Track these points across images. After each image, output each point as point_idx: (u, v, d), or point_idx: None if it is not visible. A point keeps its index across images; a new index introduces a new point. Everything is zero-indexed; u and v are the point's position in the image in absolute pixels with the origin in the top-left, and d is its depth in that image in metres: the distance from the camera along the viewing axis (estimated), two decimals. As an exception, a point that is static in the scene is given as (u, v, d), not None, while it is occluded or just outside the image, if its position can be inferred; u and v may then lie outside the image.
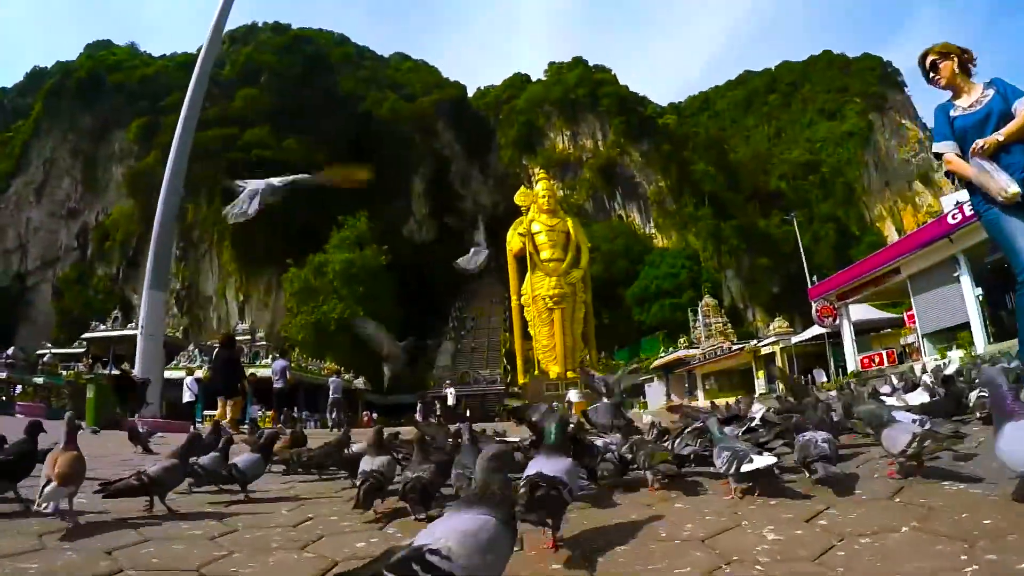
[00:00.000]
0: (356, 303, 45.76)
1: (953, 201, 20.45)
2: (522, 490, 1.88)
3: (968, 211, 16.73)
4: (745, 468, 2.24)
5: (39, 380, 33.57)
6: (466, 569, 1.07)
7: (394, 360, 7.62)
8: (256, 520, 2.48)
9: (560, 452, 2.14)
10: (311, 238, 53.57)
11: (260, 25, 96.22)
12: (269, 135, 67.37)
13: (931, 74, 3.71)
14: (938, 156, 3.81)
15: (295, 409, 19.61)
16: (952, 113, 3.66)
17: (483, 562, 1.11)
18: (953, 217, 17.39)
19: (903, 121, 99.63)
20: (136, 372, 15.27)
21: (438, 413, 25.76)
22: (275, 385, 14.92)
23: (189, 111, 16.40)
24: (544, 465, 2.00)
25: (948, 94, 3.75)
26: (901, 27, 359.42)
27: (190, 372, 16.05)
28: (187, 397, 13.99)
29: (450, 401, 26.11)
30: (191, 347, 40.98)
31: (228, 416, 10.85)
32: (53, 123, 77.15)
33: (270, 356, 39.48)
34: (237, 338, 39.91)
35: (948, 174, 3.84)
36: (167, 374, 36.25)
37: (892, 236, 68.38)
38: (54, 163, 76.63)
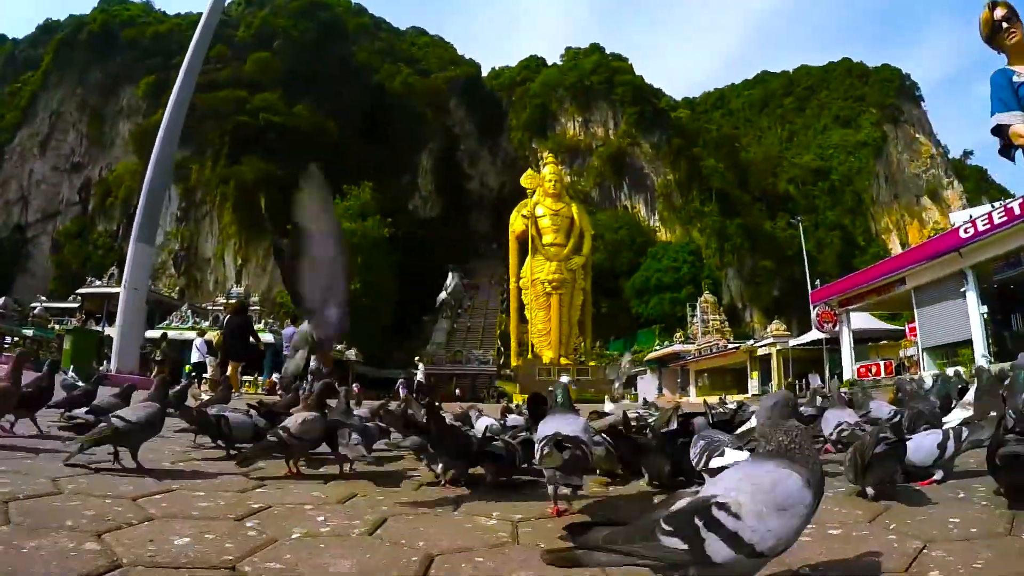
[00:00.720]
0: (355, 274, 45.55)
1: (966, 216, 20.23)
2: (547, 449, 1.82)
3: (981, 226, 16.59)
4: (714, 463, 2.09)
5: (28, 332, 33.55)
6: (756, 532, 0.92)
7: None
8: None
9: (571, 411, 2.10)
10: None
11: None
12: (279, 100, 66.80)
13: (1003, 27, 3.11)
14: (998, 131, 3.11)
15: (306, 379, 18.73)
16: (1016, 79, 3.09)
17: (778, 525, 0.94)
18: (965, 231, 17.13)
19: (917, 135, 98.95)
20: (117, 325, 15.09)
21: (414, 390, 25.19)
22: (284, 353, 14.54)
23: (190, 65, 16.06)
24: (560, 424, 1.93)
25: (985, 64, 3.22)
26: (921, 40, 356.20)
27: (201, 333, 15.93)
28: (196, 357, 14.41)
29: (418, 378, 25.40)
30: (184, 307, 40.87)
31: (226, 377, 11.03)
32: (62, 76, 76.54)
33: (262, 321, 39.41)
34: (230, 300, 40.29)
35: (1006, 150, 3.13)
36: (160, 333, 36.62)
37: (896, 249, 68.06)
38: (61, 116, 76.11)
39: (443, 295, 52.57)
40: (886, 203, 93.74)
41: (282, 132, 63.21)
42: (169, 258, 65.32)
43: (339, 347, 41.94)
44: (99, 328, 33.65)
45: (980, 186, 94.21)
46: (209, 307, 42.64)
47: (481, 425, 3.44)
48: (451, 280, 43.25)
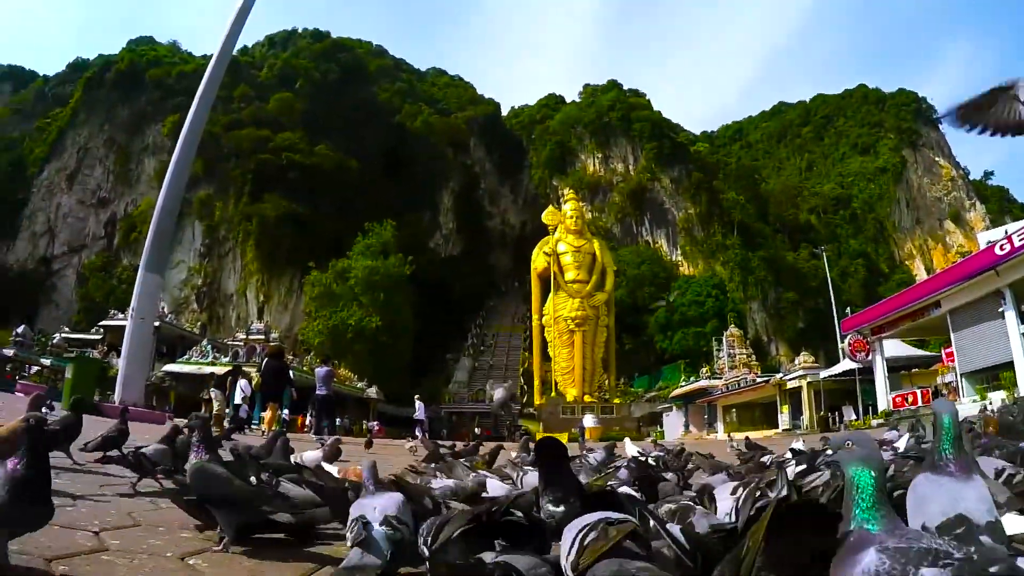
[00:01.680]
0: (375, 311, 45.48)
1: (994, 235, 19.58)
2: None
3: (1018, 241, 15.88)
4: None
5: (46, 362, 33.69)
6: None
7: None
8: None
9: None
10: (336, 243, 53.57)
11: (300, 31, 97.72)
12: (301, 140, 67.88)
13: None
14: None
15: (336, 418, 18.25)
16: None
17: None
18: (1001, 248, 16.46)
19: (937, 159, 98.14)
20: (123, 355, 14.73)
21: (425, 429, 24.26)
22: (318, 392, 14.66)
23: (203, 97, 15.75)
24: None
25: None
26: (936, 63, 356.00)
27: (245, 376, 15.73)
28: (238, 399, 14.78)
29: (417, 415, 24.24)
30: (204, 342, 40.91)
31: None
32: (90, 113, 78.67)
33: (301, 361, 39.26)
34: (251, 337, 40.26)
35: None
36: (179, 368, 36.63)
37: (921, 275, 66.83)
38: (88, 151, 77.97)
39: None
40: (909, 228, 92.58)
41: (304, 171, 64.08)
42: (192, 293, 65.88)
43: (359, 385, 41.63)
44: (107, 359, 33.63)
45: (1003, 206, 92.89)
46: (229, 343, 42.65)
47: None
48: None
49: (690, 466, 3.87)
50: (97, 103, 78.50)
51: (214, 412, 13.82)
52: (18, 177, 76.26)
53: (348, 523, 1.69)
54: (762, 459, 3.71)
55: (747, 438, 7.40)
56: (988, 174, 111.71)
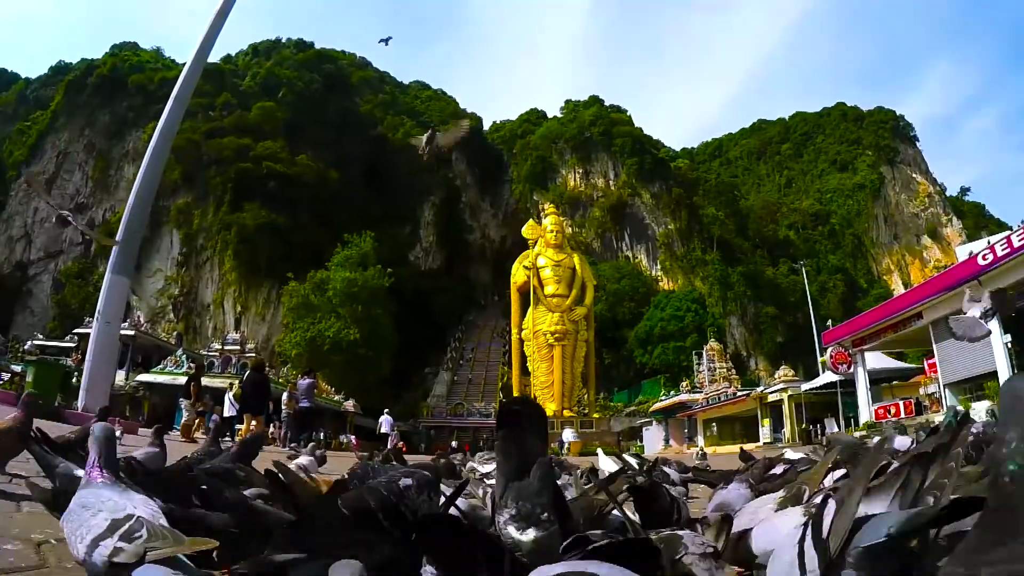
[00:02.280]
0: (354, 323, 45.06)
1: (972, 248, 19.76)
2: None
3: (1000, 251, 16.00)
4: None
5: (17, 368, 32.85)
6: None
7: None
8: None
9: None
10: (315, 254, 53.14)
11: (283, 41, 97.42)
12: (283, 149, 67.47)
13: None
14: None
15: (313, 431, 17.85)
16: None
17: None
18: (984, 258, 16.56)
19: (914, 175, 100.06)
20: (87, 358, 14.23)
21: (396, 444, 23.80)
22: (300, 404, 14.67)
23: (178, 97, 15.37)
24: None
25: None
26: (914, 81, 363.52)
27: (196, 380, 15.47)
28: (228, 411, 15.05)
29: (383, 430, 23.70)
30: (179, 352, 40.28)
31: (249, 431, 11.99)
32: (71, 117, 77.61)
33: (278, 372, 38.74)
34: (227, 348, 39.68)
35: None
36: (153, 378, 35.96)
37: (899, 289, 67.73)
38: (67, 156, 76.81)
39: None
40: (887, 244, 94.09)
41: (284, 181, 63.66)
42: (169, 303, 64.88)
43: (337, 397, 41.11)
44: (81, 367, 32.72)
45: (979, 222, 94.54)
46: (205, 353, 42.01)
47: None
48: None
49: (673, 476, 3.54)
50: (78, 107, 77.48)
51: (183, 422, 13.71)
52: (-5, 180, 74.98)
53: None
54: (779, 467, 2.90)
55: (742, 449, 7.13)
56: (965, 190, 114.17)
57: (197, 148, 64.32)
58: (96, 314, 14.18)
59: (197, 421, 13.86)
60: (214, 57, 16.82)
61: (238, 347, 40.30)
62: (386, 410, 26.37)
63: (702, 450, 14.51)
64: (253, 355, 42.51)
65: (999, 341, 16.22)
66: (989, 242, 17.71)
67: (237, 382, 19.81)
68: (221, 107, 72.90)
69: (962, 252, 21.85)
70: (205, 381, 18.20)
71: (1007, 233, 17.29)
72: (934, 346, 19.57)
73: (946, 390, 18.95)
